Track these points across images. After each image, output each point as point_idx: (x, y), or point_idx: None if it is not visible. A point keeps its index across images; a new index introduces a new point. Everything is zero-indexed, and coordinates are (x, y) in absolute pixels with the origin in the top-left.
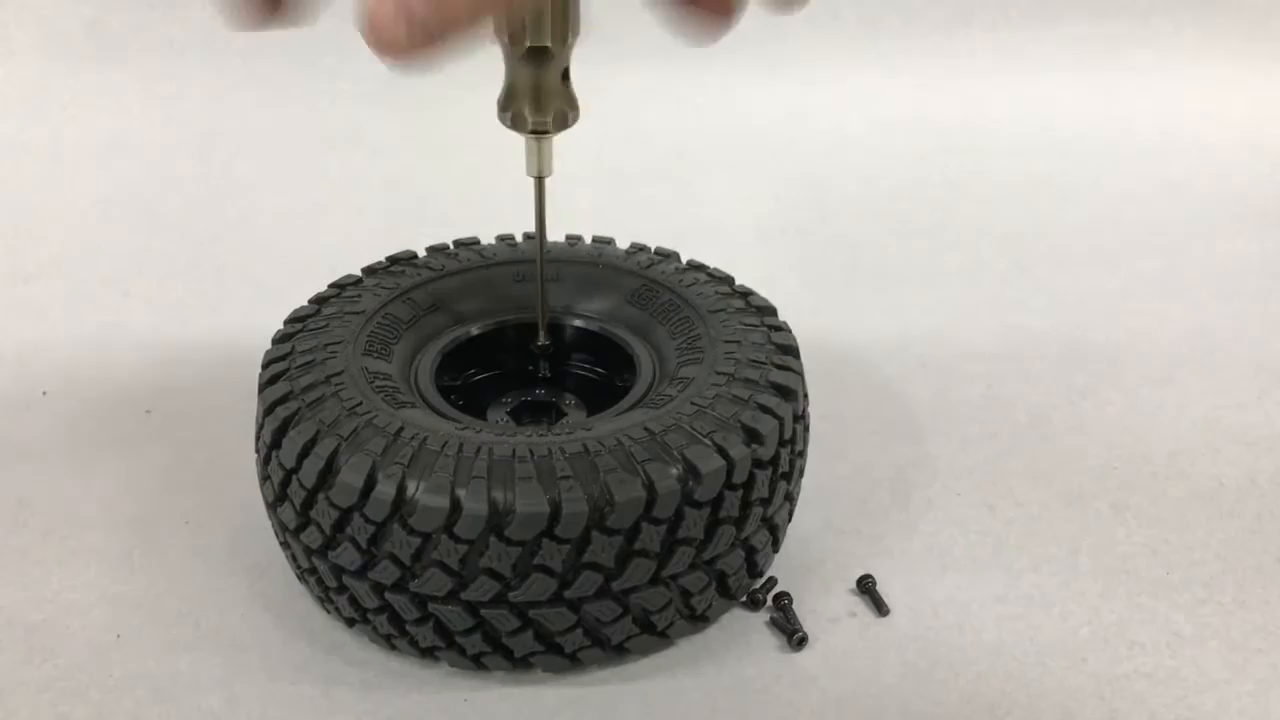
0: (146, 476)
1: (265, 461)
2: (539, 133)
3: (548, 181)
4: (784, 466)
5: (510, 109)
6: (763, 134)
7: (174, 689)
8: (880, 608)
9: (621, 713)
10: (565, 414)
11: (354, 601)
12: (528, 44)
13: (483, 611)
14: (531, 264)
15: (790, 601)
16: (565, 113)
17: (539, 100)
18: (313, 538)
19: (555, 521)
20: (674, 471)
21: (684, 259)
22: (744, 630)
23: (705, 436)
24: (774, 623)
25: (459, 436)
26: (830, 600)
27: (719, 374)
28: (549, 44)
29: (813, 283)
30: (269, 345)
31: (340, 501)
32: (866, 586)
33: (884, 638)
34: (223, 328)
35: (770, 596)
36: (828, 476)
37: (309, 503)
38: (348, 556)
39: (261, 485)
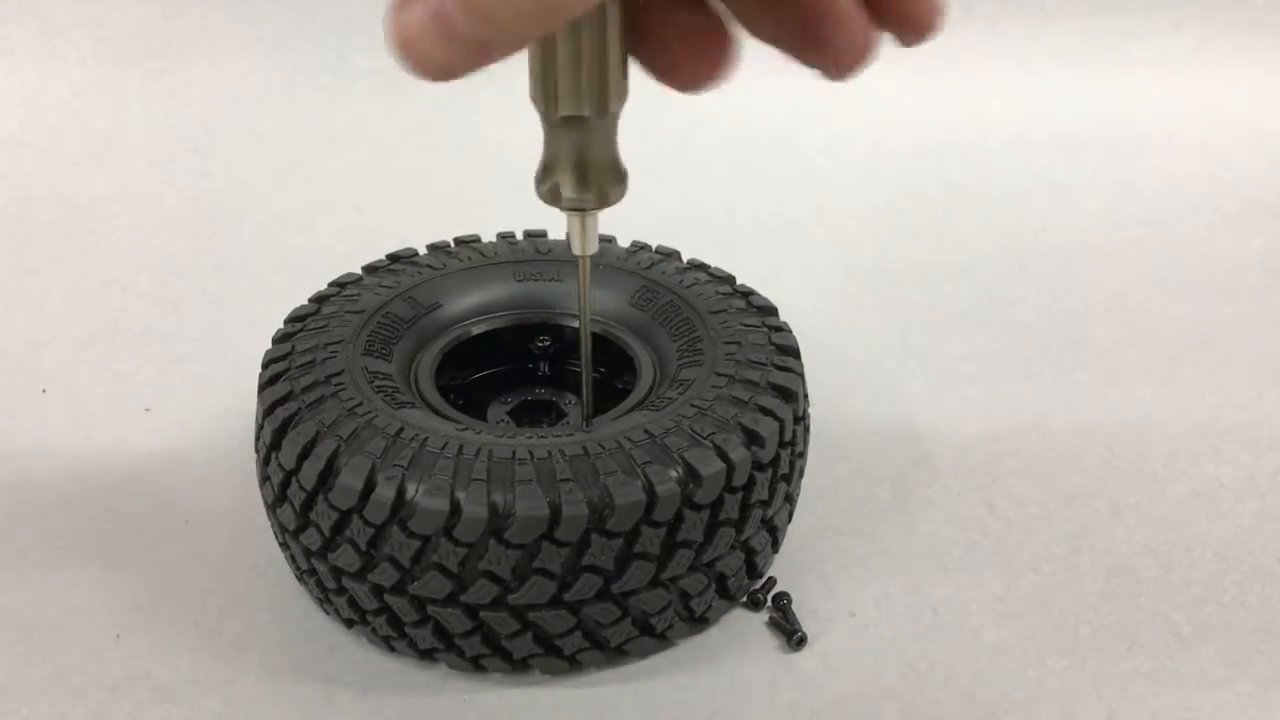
0: (146, 477)
1: (265, 462)
2: (578, 209)
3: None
4: (784, 468)
5: (546, 182)
6: (763, 132)
7: (174, 689)
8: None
9: (621, 714)
10: (565, 413)
11: (353, 603)
12: (561, 113)
13: (482, 614)
14: (533, 264)
15: (790, 601)
16: (608, 189)
17: (580, 173)
18: (312, 539)
19: (555, 524)
20: (674, 474)
21: (685, 258)
22: (744, 631)
23: (705, 439)
24: (774, 623)
25: (459, 438)
26: (830, 600)
27: (719, 375)
28: (585, 113)
29: (814, 281)
30: (269, 344)
31: (340, 503)
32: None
33: (884, 638)
34: (223, 326)
35: (770, 597)
36: (828, 476)
37: (309, 504)
38: (347, 558)
39: (261, 486)
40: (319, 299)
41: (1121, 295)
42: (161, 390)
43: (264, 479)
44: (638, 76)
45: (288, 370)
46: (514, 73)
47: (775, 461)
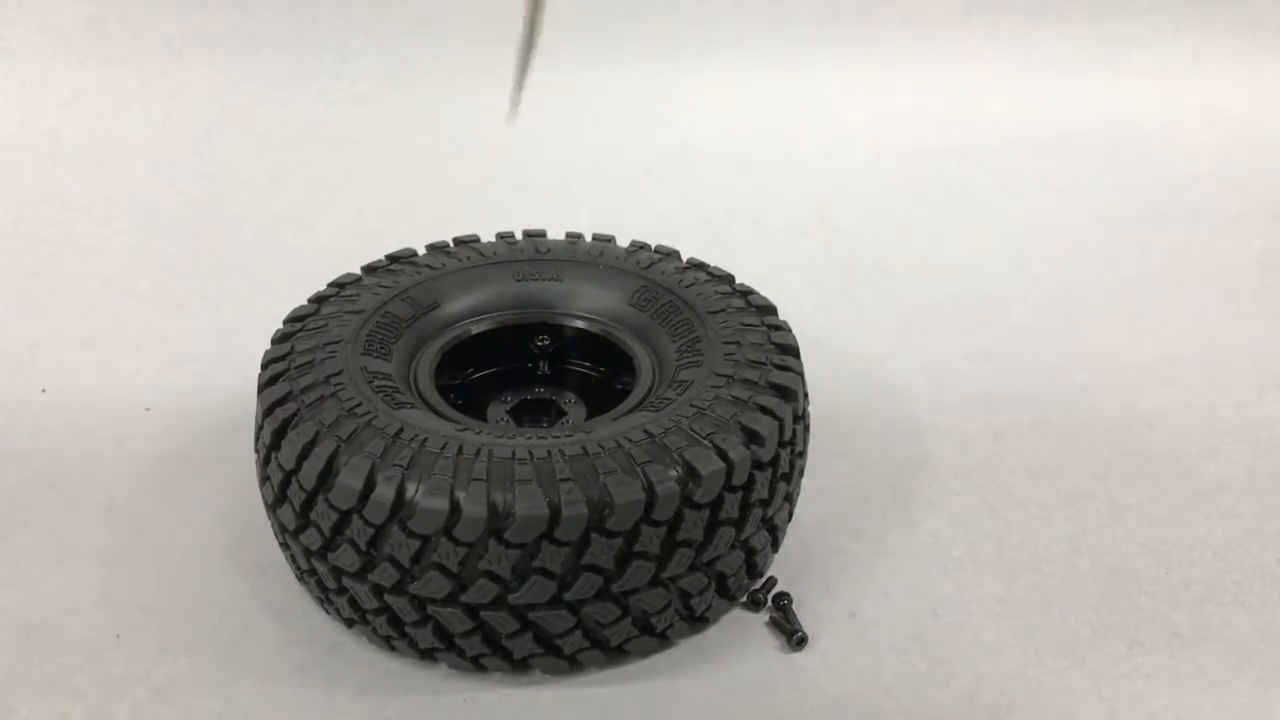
0: (146, 476)
1: (265, 463)
2: None
3: (550, 179)
4: (784, 467)
5: None
6: (763, 132)
7: (174, 689)
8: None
9: (621, 713)
10: (565, 412)
11: (353, 603)
12: None
13: (482, 614)
14: (532, 264)
15: (790, 601)
16: None
17: None
18: (312, 539)
19: (555, 524)
20: (673, 473)
21: (684, 258)
22: (744, 631)
23: (705, 438)
24: (774, 623)
25: (458, 438)
26: (830, 600)
27: (718, 375)
28: None
29: (813, 281)
30: (269, 345)
31: (339, 503)
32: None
33: (884, 638)
34: (223, 327)
35: (770, 597)
36: (828, 476)
37: (308, 504)
38: (347, 558)
39: (261, 486)
40: (318, 299)
41: (1121, 295)
42: (161, 390)
43: (264, 479)
44: (639, 78)
45: (287, 370)
46: (512, 73)
47: (775, 461)
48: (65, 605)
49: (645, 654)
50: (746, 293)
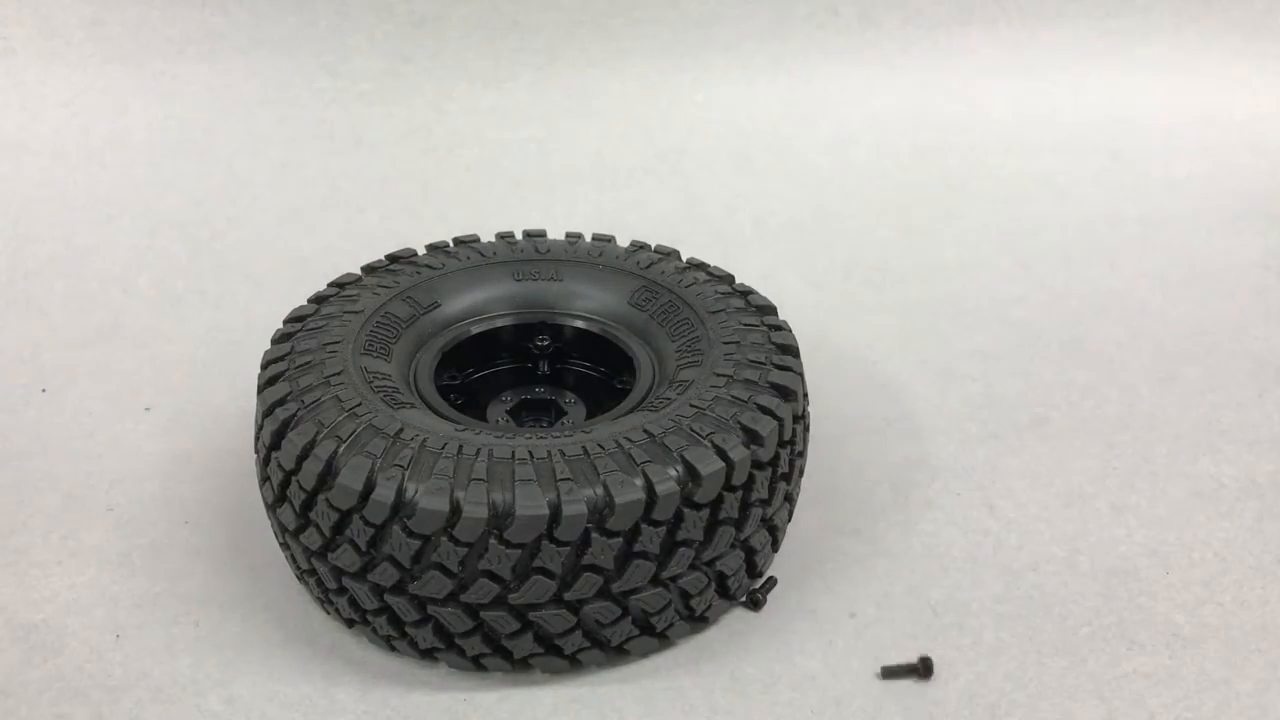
0: (146, 476)
1: (265, 463)
2: None
3: (550, 179)
4: (784, 467)
5: None
6: (763, 132)
7: (174, 689)
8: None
9: (621, 713)
10: (565, 412)
11: (354, 603)
12: None
13: (482, 613)
14: (531, 264)
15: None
16: None
17: None
18: (312, 539)
19: (555, 524)
20: (673, 473)
21: (684, 257)
22: (744, 630)
23: (705, 438)
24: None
25: (458, 438)
26: (830, 600)
27: (718, 375)
28: None
29: (813, 280)
30: (269, 345)
31: (339, 504)
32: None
33: (884, 638)
34: (223, 327)
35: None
36: (828, 476)
37: (308, 504)
38: (347, 558)
39: (261, 486)
40: (318, 299)
41: (1121, 295)
42: (161, 390)
43: (264, 479)
44: (639, 78)
45: (287, 371)
46: (513, 73)
47: (775, 460)
48: (65, 605)
49: (645, 654)
50: (746, 293)
